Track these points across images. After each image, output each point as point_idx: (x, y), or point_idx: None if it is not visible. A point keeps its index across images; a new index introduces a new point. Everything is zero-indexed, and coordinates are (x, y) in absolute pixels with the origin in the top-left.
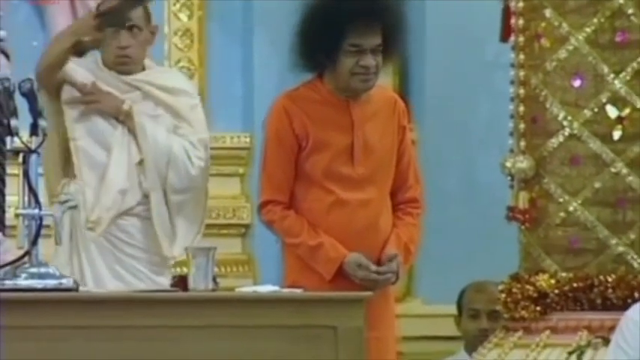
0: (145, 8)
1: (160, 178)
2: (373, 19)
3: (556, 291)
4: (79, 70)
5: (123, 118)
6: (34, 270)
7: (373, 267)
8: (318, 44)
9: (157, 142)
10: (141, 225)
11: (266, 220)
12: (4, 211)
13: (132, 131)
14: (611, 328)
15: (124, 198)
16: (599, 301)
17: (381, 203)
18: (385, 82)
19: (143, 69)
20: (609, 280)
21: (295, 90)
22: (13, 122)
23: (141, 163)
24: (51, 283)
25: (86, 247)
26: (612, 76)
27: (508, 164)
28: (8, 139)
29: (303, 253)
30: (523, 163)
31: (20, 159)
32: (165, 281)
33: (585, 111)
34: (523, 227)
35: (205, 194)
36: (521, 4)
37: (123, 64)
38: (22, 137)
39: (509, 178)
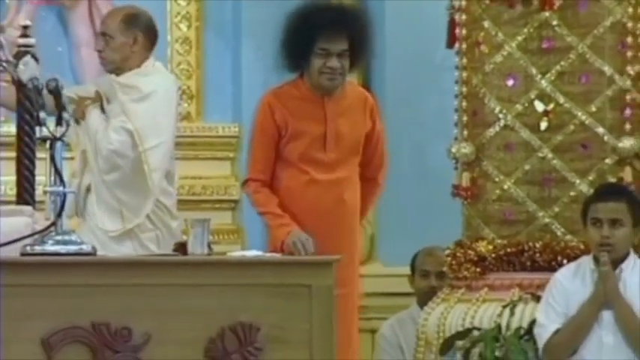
0: (126, 21)
1: (95, 163)
2: (340, 27)
3: (493, 255)
4: (85, 87)
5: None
6: (59, 237)
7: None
8: (296, 47)
9: (88, 133)
10: None
11: (245, 192)
12: (34, 189)
13: None
14: (539, 286)
15: (80, 179)
16: (528, 263)
17: (348, 182)
18: (351, 80)
19: (131, 69)
20: (537, 246)
21: (280, 87)
22: (41, 115)
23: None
24: (73, 248)
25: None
26: (539, 76)
27: (453, 150)
28: (37, 128)
29: (267, 220)
30: (466, 148)
31: (47, 145)
32: (124, 249)
33: (517, 105)
34: (466, 202)
35: (141, 172)
36: (464, 17)
37: (102, 65)
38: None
39: (454, 161)
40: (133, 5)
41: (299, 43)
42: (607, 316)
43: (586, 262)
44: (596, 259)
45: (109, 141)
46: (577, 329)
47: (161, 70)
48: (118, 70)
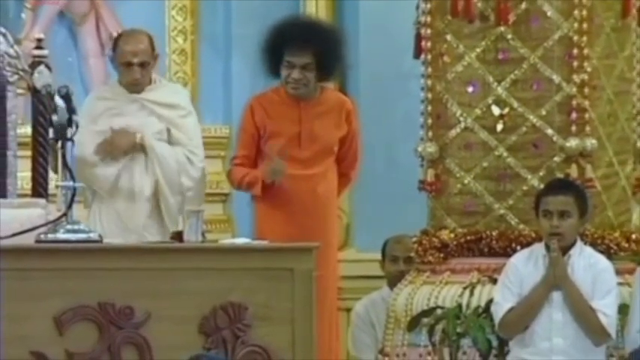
0: (151, 45)
1: (172, 184)
2: (305, 42)
3: (454, 242)
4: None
5: (139, 147)
6: (69, 227)
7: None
8: (269, 59)
9: (165, 158)
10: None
11: (229, 178)
12: (47, 184)
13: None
14: (495, 270)
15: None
16: (486, 249)
17: (322, 177)
18: (329, 85)
19: (149, 83)
20: (494, 234)
21: (264, 93)
22: (54, 117)
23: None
24: (82, 236)
25: None
26: (496, 84)
27: (419, 149)
28: (50, 130)
29: (246, 184)
30: (430, 148)
31: (59, 145)
32: None
33: (476, 110)
34: (430, 195)
35: (203, 183)
36: (429, 31)
37: (136, 90)
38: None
39: (420, 159)
40: (134, 28)
41: (272, 55)
42: (556, 296)
43: (538, 248)
44: (547, 246)
45: (199, 159)
46: (529, 308)
47: (173, 84)
48: (140, 91)
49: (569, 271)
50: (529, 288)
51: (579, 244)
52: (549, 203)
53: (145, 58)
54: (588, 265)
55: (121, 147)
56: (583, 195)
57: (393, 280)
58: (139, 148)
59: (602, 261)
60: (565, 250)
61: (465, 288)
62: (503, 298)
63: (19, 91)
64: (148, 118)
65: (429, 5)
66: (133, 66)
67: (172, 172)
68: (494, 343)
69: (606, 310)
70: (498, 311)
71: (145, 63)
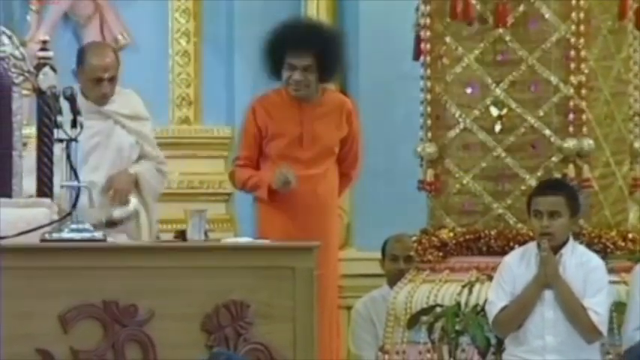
0: (117, 58)
1: (155, 195)
2: (305, 45)
3: (454, 241)
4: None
5: (135, 179)
6: (74, 226)
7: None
8: (271, 61)
9: (150, 179)
10: None
11: (231, 178)
12: (52, 184)
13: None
14: (494, 268)
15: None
16: (484, 248)
17: (322, 178)
18: (330, 86)
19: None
20: (492, 233)
21: (265, 94)
22: (59, 118)
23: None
24: (86, 235)
25: None
26: (494, 85)
27: (419, 149)
28: (55, 130)
29: (251, 186)
30: (430, 148)
31: (64, 145)
32: None
33: (475, 111)
34: (430, 195)
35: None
36: (428, 33)
37: (103, 103)
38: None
39: (419, 159)
40: (98, 41)
41: (273, 57)
42: (548, 294)
43: (531, 247)
44: (539, 246)
45: (166, 169)
46: (521, 306)
47: (127, 91)
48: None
49: (560, 269)
50: (522, 287)
51: (571, 242)
52: (539, 203)
53: (114, 72)
54: (580, 264)
55: (128, 190)
56: (574, 195)
57: (393, 279)
58: (135, 179)
59: (594, 259)
60: (557, 249)
61: (463, 286)
62: (497, 297)
63: (25, 92)
64: (121, 132)
65: (428, 8)
66: (104, 81)
67: (155, 187)
68: (493, 340)
69: (597, 308)
70: (492, 310)
71: (114, 77)
